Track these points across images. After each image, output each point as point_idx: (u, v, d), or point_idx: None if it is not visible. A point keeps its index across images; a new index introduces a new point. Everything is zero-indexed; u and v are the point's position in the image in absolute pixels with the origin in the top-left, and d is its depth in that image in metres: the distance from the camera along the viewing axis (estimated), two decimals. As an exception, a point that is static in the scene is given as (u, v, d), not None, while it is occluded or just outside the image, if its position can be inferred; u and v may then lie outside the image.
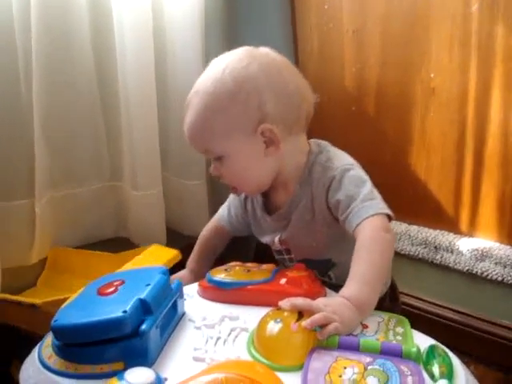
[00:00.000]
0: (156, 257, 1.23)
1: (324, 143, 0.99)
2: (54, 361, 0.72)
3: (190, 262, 1.14)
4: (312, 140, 1.00)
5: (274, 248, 1.05)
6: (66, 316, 0.72)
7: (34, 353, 0.77)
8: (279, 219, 1.00)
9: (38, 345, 0.79)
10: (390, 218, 0.87)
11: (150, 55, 1.45)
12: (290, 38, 1.69)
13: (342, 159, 0.95)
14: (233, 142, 0.90)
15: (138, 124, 1.45)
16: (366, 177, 0.92)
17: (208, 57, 1.66)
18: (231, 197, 1.14)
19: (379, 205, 0.87)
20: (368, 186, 0.90)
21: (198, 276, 1.06)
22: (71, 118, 1.40)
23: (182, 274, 1.12)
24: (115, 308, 0.69)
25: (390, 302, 1.07)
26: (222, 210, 1.17)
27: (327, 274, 1.01)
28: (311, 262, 0.97)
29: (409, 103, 1.50)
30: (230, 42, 1.77)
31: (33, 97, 1.26)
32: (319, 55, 1.65)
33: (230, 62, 0.89)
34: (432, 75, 1.44)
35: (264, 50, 0.93)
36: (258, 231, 1.06)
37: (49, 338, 0.77)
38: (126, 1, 1.37)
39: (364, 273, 0.81)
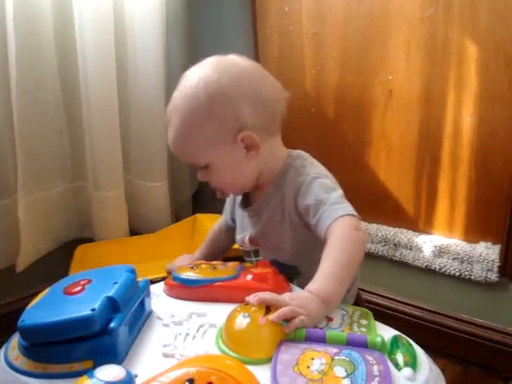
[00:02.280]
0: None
1: (305, 154, 1.03)
2: (22, 362, 0.71)
3: (198, 253, 1.20)
4: (293, 150, 1.03)
5: (243, 248, 1.08)
6: (33, 316, 0.71)
7: (0, 355, 0.76)
8: (252, 214, 1.03)
9: (4, 346, 0.77)
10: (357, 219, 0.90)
11: (111, 56, 1.45)
12: (251, 40, 1.70)
13: (316, 168, 0.98)
14: (216, 152, 0.94)
15: (99, 125, 1.46)
16: (336, 186, 0.95)
17: (169, 58, 1.68)
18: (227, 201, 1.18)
19: (349, 207, 0.89)
20: (338, 192, 0.92)
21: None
22: (37, 119, 1.40)
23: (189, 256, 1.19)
24: (83, 306, 0.69)
25: None
26: (224, 215, 1.21)
27: (292, 283, 1.00)
28: (278, 265, 0.97)
29: (368, 105, 1.53)
30: (191, 45, 1.78)
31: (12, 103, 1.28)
32: (280, 57, 1.67)
33: (203, 76, 0.91)
34: (390, 78, 1.47)
35: (232, 60, 0.95)
36: (239, 228, 1.10)
37: (15, 340, 0.76)
38: (88, 2, 1.36)
39: (332, 269, 0.82)
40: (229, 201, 1.16)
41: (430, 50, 1.40)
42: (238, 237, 1.09)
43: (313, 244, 0.93)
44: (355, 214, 0.89)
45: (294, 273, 1.01)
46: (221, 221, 1.22)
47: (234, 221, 1.15)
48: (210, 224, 1.54)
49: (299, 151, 1.03)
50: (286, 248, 1.00)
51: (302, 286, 0.95)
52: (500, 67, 1.31)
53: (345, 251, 0.84)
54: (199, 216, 1.68)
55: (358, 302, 1.11)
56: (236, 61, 0.95)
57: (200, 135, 0.92)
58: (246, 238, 1.04)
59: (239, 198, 1.09)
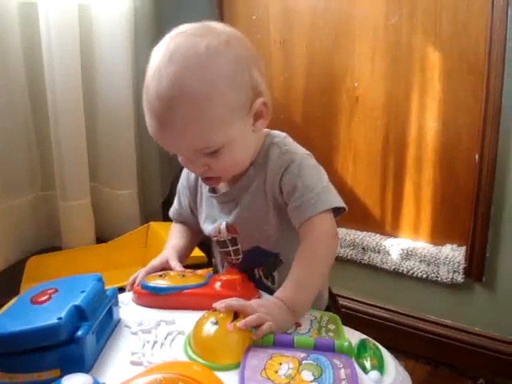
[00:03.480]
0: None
1: (280, 131, 0.97)
2: (-13, 372, 0.70)
3: (173, 248, 1.05)
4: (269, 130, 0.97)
5: (218, 239, 1.00)
6: (0, 326, 0.70)
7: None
8: (225, 200, 0.96)
9: (-32, 357, 0.76)
10: (344, 210, 0.88)
11: (76, 64, 1.46)
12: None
13: (298, 147, 0.94)
14: (234, 126, 0.83)
15: (66, 135, 1.46)
16: (321, 168, 0.92)
17: (137, 65, 1.67)
18: (180, 188, 1.08)
19: (334, 198, 0.88)
20: (324, 179, 0.90)
21: (182, 251, 1.03)
22: (5, 130, 1.39)
23: (164, 255, 1.02)
24: (50, 315, 0.68)
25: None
26: (173, 207, 1.12)
27: (272, 274, 1.00)
28: (259, 253, 0.96)
29: (334, 111, 1.56)
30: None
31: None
32: (248, 65, 1.68)
33: (210, 42, 0.79)
34: (356, 84, 1.50)
35: (219, 25, 0.86)
36: (207, 219, 1.01)
37: (-21, 350, 0.75)
38: (54, 9, 1.36)
39: (302, 276, 0.82)
40: (183, 193, 1.07)
41: (395, 57, 1.43)
42: (210, 227, 1.00)
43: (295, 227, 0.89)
44: (341, 204, 0.87)
45: (275, 261, 0.98)
46: (176, 219, 1.12)
47: (193, 213, 1.07)
48: (164, 232, 1.52)
49: (277, 131, 0.97)
50: (269, 233, 0.94)
51: (282, 277, 0.92)
52: (463, 74, 1.34)
53: (317, 260, 0.84)
54: (152, 224, 1.66)
55: (333, 301, 1.10)
56: (224, 26, 0.86)
57: (221, 109, 0.79)
58: (223, 227, 0.97)
59: (203, 187, 1.01)
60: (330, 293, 1.11)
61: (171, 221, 1.14)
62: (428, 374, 1.45)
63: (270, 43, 1.63)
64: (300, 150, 0.92)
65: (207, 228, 1.01)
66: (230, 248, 1.00)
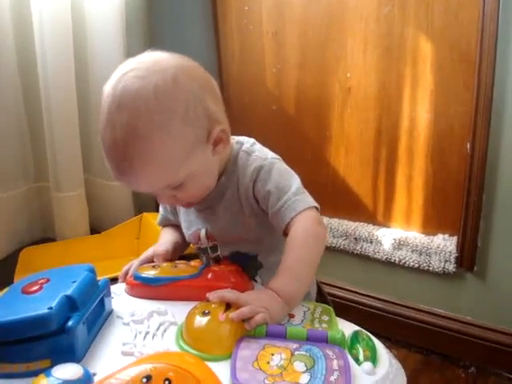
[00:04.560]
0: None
1: (249, 138, 0.98)
2: (-24, 363, 0.70)
3: (166, 242, 1.04)
4: (235, 136, 0.98)
5: (199, 245, 1.01)
6: (-10, 315, 0.70)
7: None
8: (202, 208, 0.97)
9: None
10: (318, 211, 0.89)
11: (69, 56, 1.46)
12: (212, 39, 1.71)
13: (267, 152, 0.95)
14: (193, 160, 0.82)
15: (59, 127, 1.46)
16: (292, 171, 0.93)
17: (129, 54, 1.67)
18: None
19: (309, 198, 0.89)
20: (297, 180, 0.91)
21: (175, 246, 1.03)
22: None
23: (157, 246, 1.02)
24: (40, 305, 0.68)
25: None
26: (159, 215, 1.12)
27: (254, 278, 1.00)
28: (240, 256, 0.97)
29: (327, 102, 1.56)
30: (152, 45, 1.77)
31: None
32: (240, 56, 1.68)
33: (156, 83, 0.76)
34: (348, 75, 1.50)
35: (163, 57, 0.82)
36: (187, 225, 1.02)
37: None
38: (46, 4, 1.35)
39: (294, 266, 0.83)
40: None
41: (387, 47, 1.43)
42: (188, 233, 1.01)
43: (275, 229, 0.91)
44: (316, 205, 0.88)
45: (255, 265, 0.99)
46: (163, 223, 1.12)
47: (174, 215, 1.07)
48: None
49: (241, 136, 0.97)
50: (248, 238, 0.96)
51: (264, 280, 0.96)
52: (455, 64, 1.35)
53: (308, 248, 0.84)
54: (145, 215, 1.67)
55: (321, 293, 1.10)
56: (170, 56, 0.82)
57: (177, 149, 0.79)
58: (202, 234, 0.98)
59: None
60: (319, 290, 1.11)
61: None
62: (420, 363, 1.46)
63: (262, 34, 1.63)
64: (269, 155, 0.93)
65: (189, 234, 1.02)
66: (211, 254, 1.01)
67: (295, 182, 0.90)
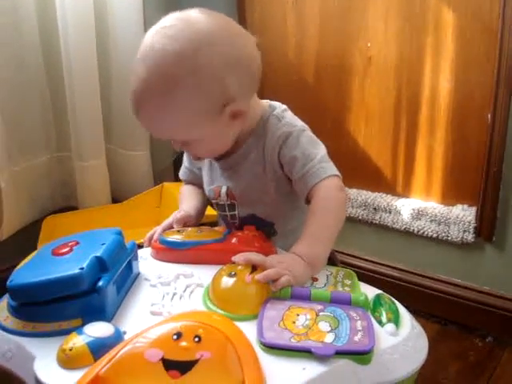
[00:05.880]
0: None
1: (281, 104, 0.99)
2: (11, 322, 0.72)
3: (188, 207, 1.05)
4: (270, 101, 0.99)
5: (218, 201, 1.03)
6: (22, 276, 0.71)
7: (-12, 316, 0.77)
8: (226, 167, 0.99)
9: (-7, 309, 0.78)
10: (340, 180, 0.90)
11: (91, 26, 1.47)
12: (233, 8, 1.69)
13: (297, 120, 0.96)
14: (201, 128, 0.86)
15: (81, 96, 1.47)
16: (320, 141, 0.94)
17: (148, 26, 1.66)
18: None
19: (333, 167, 0.90)
20: (323, 149, 0.92)
21: (195, 212, 1.04)
22: (20, 91, 1.41)
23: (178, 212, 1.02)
24: (72, 266, 0.70)
25: None
26: (183, 167, 1.13)
27: None
28: (255, 221, 0.98)
29: (347, 72, 1.55)
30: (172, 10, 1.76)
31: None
32: (261, 26, 1.67)
33: (178, 51, 0.79)
34: (369, 44, 1.49)
35: (203, 22, 0.82)
36: (208, 180, 1.03)
37: (4, 301, 0.77)
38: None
39: (316, 231, 0.84)
40: None
41: (408, 16, 1.41)
42: (208, 188, 1.03)
43: (293, 198, 0.93)
44: (339, 174, 0.89)
45: (270, 231, 1.00)
46: (181, 176, 1.13)
47: (198, 169, 1.08)
48: (177, 192, 1.54)
49: (277, 102, 0.99)
50: (266, 202, 0.97)
51: (278, 246, 0.95)
52: (476, 33, 1.33)
53: (330, 213, 0.86)
54: (166, 185, 1.68)
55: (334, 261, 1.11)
56: (209, 22, 0.83)
57: (185, 115, 0.83)
58: (223, 191, 0.99)
59: None
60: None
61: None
62: (437, 333, 1.48)
63: (283, 3, 1.61)
64: (299, 123, 0.95)
65: (209, 189, 1.04)
66: (228, 212, 1.03)
67: (321, 150, 0.91)
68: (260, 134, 0.94)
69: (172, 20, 0.83)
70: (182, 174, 1.14)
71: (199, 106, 0.82)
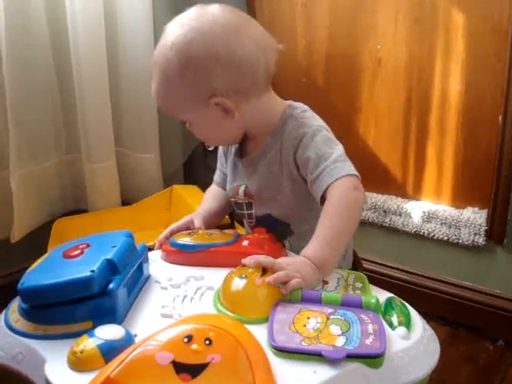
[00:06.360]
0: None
1: (305, 105, 1.00)
2: (22, 324, 0.72)
3: (202, 210, 1.09)
4: (293, 101, 1.01)
5: (236, 200, 1.04)
6: (33, 278, 0.72)
7: (0, 318, 0.77)
8: (247, 165, 1.01)
9: (4, 311, 0.78)
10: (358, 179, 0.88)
11: (100, 28, 1.47)
12: (244, 7, 1.69)
13: (316, 119, 0.96)
14: (191, 112, 0.93)
15: (91, 99, 1.48)
16: (337, 141, 0.93)
17: (158, 29, 1.67)
18: (220, 148, 1.13)
19: (350, 166, 0.88)
20: (340, 149, 0.90)
21: (212, 214, 1.07)
22: (30, 93, 1.42)
23: (190, 216, 1.06)
24: (82, 268, 0.70)
25: None
26: (217, 169, 1.16)
27: (283, 242, 1.01)
28: (271, 220, 0.98)
29: (357, 74, 1.55)
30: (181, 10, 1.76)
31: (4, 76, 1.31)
32: (270, 27, 1.65)
33: (176, 38, 0.87)
34: (379, 47, 1.48)
35: (212, 15, 0.89)
36: (231, 178, 1.06)
37: (15, 303, 0.77)
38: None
39: (328, 233, 0.83)
40: (222, 151, 1.11)
41: (418, 18, 1.41)
42: (229, 186, 1.05)
43: (309, 199, 0.92)
44: (356, 173, 0.87)
45: (286, 231, 1.00)
46: (215, 178, 1.16)
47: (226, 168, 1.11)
48: (187, 195, 1.55)
49: (299, 103, 1.00)
50: (282, 202, 0.97)
51: (293, 245, 0.97)
52: (486, 35, 1.33)
53: (342, 215, 0.84)
54: (176, 187, 1.68)
55: (356, 263, 1.11)
56: (215, 16, 0.89)
57: (175, 96, 0.91)
58: (241, 190, 1.01)
59: (232, 149, 1.06)
60: (355, 256, 1.12)
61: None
62: (448, 336, 1.47)
63: (292, 5, 1.61)
64: (316, 123, 0.94)
65: (227, 186, 1.06)
66: (245, 211, 1.04)
67: (337, 150, 0.89)
68: (278, 134, 0.95)
69: (192, 9, 0.91)
70: (215, 176, 1.16)
71: (186, 90, 0.90)
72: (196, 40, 0.86)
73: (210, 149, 1.07)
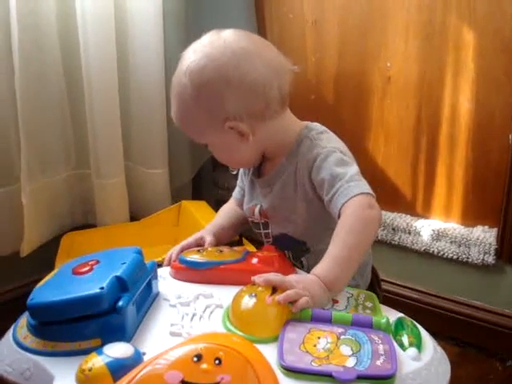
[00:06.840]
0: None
1: (322, 127, 1.00)
2: (30, 340, 0.72)
3: (212, 226, 1.11)
4: (311, 122, 1.01)
5: (253, 219, 1.06)
6: (42, 295, 0.72)
7: (8, 334, 0.77)
8: (264, 185, 1.01)
9: (12, 326, 0.78)
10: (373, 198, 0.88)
11: (111, 44, 1.48)
12: (253, 28, 1.70)
13: (333, 142, 0.96)
14: (208, 136, 0.96)
15: (101, 114, 1.48)
16: (352, 162, 0.93)
17: (168, 45, 1.68)
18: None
19: (364, 185, 0.88)
20: (354, 168, 0.90)
21: (223, 231, 1.09)
22: (41, 108, 1.43)
23: (200, 232, 1.08)
24: (92, 285, 0.70)
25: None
26: (238, 182, 1.16)
27: (300, 259, 1.02)
28: (287, 239, 0.99)
29: (366, 91, 1.55)
30: (190, 31, 1.77)
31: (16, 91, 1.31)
32: (279, 45, 1.66)
33: (190, 64, 0.90)
34: (388, 64, 1.49)
35: (224, 40, 0.91)
36: (248, 198, 1.07)
37: (23, 319, 0.77)
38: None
39: (339, 252, 0.82)
40: (242, 169, 1.12)
41: (428, 36, 1.41)
42: (246, 206, 1.07)
43: (325, 219, 0.92)
44: (371, 191, 0.87)
45: (302, 249, 1.00)
46: (234, 195, 1.17)
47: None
48: (195, 211, 1.55)
49: (317, 123, 1.01)
50: (297, 222, 0.98)
51: (310, 263, 0.96)
52: (496, 53, 1.32)
53: (353, 233, 0.83)
54: (184, 203, 1.68)
55: (374, 281, 1.12)
56: (228, 41, 0.90)
57: (192, 121, 0.94)
58: (257, 210, 1.02)
59: (250, 169, 1.07)
60: (374, 273, 1.13)
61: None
62: (456, 355, 1.46)
63: (302, 23, 1.62)
64: (330, 144, 0.94)
65: (244, 206, 1.07)
66: (262, 230, 1.05)
67: (351, 170, 0.89)
68: (293, 156, 0.96)
69: (207, 35, 0.93)
70: (234, 191, 1.17)
71: (201, 115, 0.92)
72: (208, 65, 0.89)
73: (233, 172, 1.08)
